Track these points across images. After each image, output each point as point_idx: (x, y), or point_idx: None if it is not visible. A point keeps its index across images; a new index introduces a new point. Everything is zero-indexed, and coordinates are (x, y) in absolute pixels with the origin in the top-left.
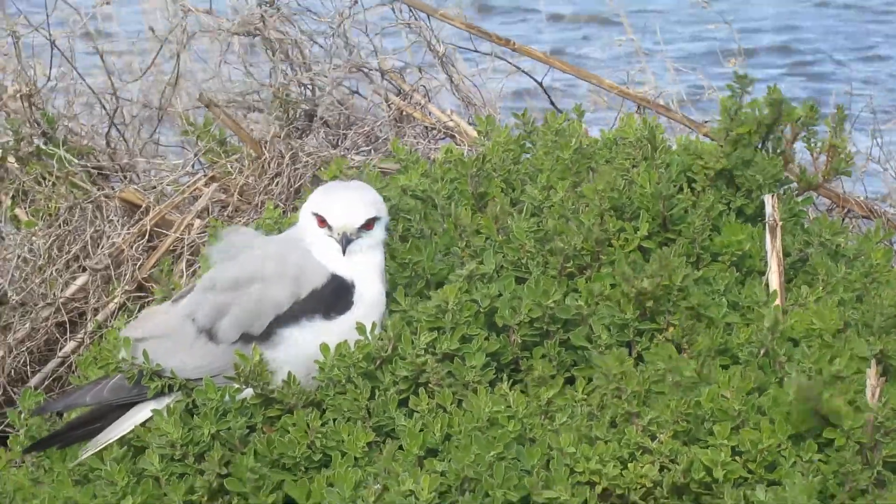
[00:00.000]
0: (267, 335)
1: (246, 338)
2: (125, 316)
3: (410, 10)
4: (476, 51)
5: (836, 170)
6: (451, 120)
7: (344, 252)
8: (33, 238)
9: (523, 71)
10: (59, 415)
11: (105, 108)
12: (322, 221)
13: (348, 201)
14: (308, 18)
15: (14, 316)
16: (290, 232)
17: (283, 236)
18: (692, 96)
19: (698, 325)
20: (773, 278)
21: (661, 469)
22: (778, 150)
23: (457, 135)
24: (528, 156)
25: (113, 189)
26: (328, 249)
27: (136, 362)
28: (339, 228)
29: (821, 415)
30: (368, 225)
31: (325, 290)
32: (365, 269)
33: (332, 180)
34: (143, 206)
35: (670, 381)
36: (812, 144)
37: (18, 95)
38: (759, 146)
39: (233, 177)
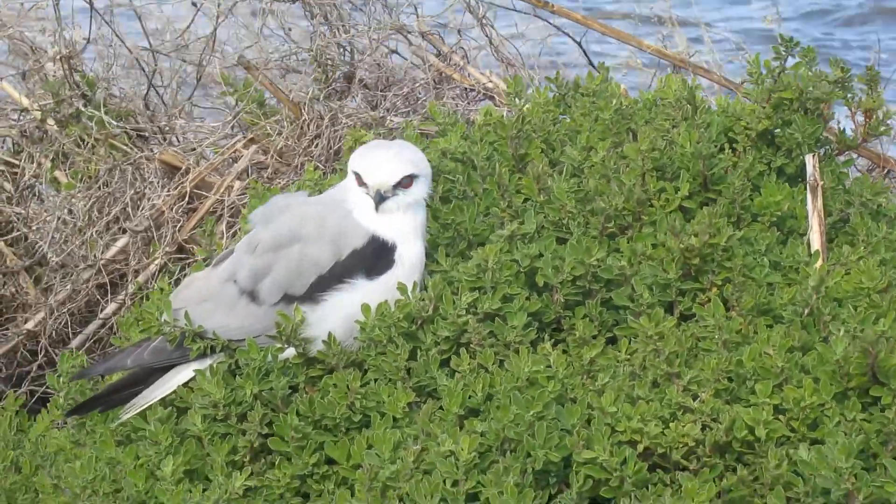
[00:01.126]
0: (309, 295)
1: (288, 298)
2: (166, 277)
3: None
4: (514, 9)
5: (875, 130)
6: (490, 81)
7: (377, 209)
8: (73, 200)
9: (562, 31)
10: (101, 377)
11: (144, 70)
12: (360, 179)
13: (385, 159)
14: None
15: (55, 278)
16: (330, 192)
17: (322, 197)
18: (725, 59)
19: (749, 283)
20: (815, 238)
21: (704, 428)
22: (816, 112)
23: (496, 96)
24: (565, 117)
25: (152, 151)
26: (366, 207)
27: (178, 324)
28: (373, 186)
29: (874, 371)
30: (406, 183)
31: (366, 250)
32: (405, 229)
33: (352, 148)
34: (183, 167)
35: (718, 338)
36: (850, 100)
37: (58, 57)
38: (803, 109)
39: (272, 139)
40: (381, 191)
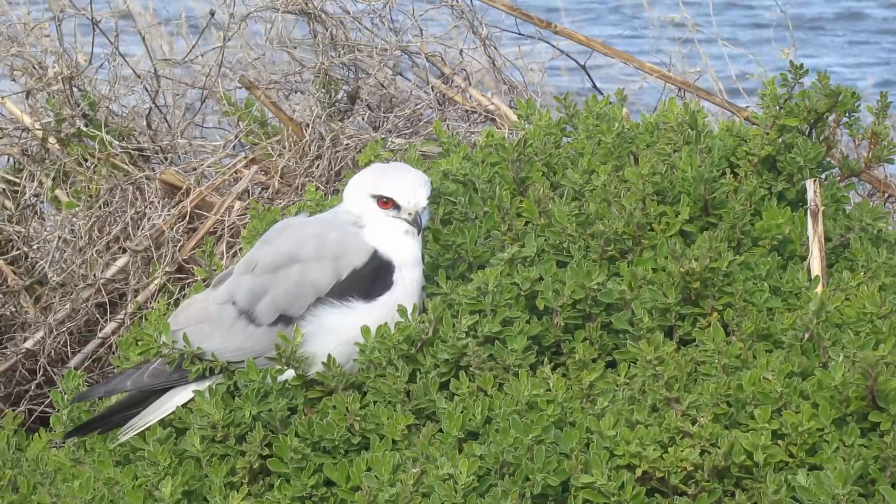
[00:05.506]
0: (307, 317)
1: (285, 319)
2: (165, 297)
3: None
4: (519, 33)
5: (879, 157)
6: (492, 103)
7: (419, 231)
8: (74, 219)
9: (565, 53)
10: (100, 399)
11: (147, 90)
12: (386, 203)
13: (415, 180)
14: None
15: (55, 297)
16: (334, 212)
17: (321, 217)
18: (741, 77)
19: (749, 308)
20: (815, 263)
21: (702, 453)
22: (821, 137)
23: (497, 118)
24: (569, 140)
25: (153, 171)
26: (392, 230)
27: (177, 346)
28: (410, 208)
29: (873, 396)
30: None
31: (365, 269)
32: (412, 254)
33: (368, 164)
34: (184, 187)
35: (717, 363)
36: (854, 130)
37: (59, 77)
38: (807, 134)
39: (273, 159)
40: (419, 212)
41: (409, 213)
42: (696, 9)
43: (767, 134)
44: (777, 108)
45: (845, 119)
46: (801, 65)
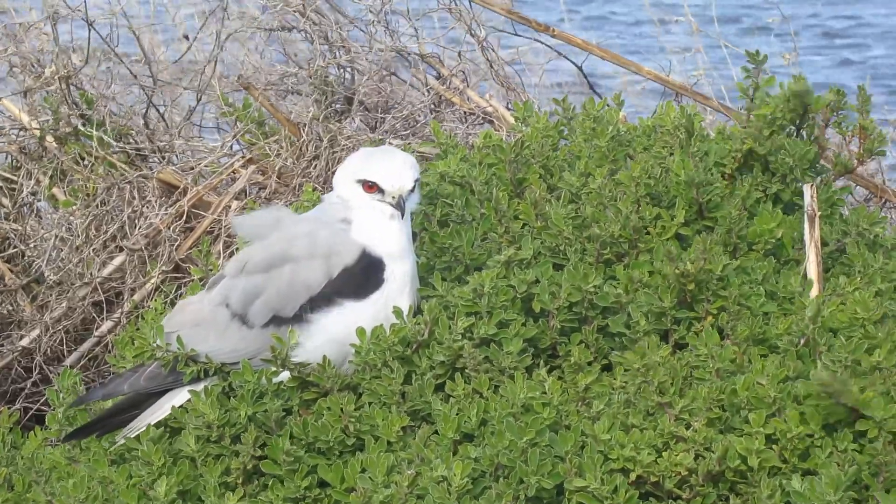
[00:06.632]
0: (299, 317)
1: (278, 320)
2: (162, 296)
3: None
4: (517, 34)
5: (870, 151)
6: (490, 105)
7: (402, 214)
8: (71, 218)
9: (562, 55)
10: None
11: (143, 89)
12: (371, 187)
13: (400, 163)
14: (349, 2)
15: (51, 295)
16: (320, 207)
17: (311, 214)
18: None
19: (745, 313)
20: (812, 268)
21: (696, 457)
22: (811, 137)
23: (495, 120)
24: (566, 142)
25: (151, 170)
26: (381, 215)
27: (171, 349)
28: (394, 192)
29: (849, 406)
30: (413, 187)
31: (357, 267)
32: (402, 243)
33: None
34: (181, 187)
35: (711, 367)
36: (844, 128)
37: (56, 77)
38: (795, 134)
39: (271, 159)
40: (403, 196)
41: (393, 197)
42: (697, 11)
43: (745, 127)
44: (749, 99)
45: (833, 118)
46: (757, 51)
